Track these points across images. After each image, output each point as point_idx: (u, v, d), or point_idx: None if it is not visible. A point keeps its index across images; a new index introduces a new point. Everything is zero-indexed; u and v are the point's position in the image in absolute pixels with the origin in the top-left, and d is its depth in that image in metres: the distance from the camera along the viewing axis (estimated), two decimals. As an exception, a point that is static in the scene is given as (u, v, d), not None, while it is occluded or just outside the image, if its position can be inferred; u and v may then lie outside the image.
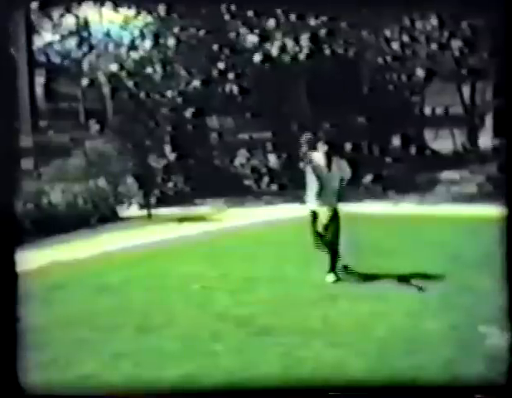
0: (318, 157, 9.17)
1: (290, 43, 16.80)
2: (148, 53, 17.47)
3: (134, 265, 10.62)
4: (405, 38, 17.44)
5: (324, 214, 9.04)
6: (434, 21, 17.07)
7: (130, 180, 16.12)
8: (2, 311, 5.86)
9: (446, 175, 17.45)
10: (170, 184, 17.28)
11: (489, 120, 19.50)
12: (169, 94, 17.37)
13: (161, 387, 6.07)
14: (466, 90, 19.60)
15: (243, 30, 17.07)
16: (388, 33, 17.46)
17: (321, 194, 9.04)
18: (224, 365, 6.48)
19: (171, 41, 17.28)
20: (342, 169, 9.24)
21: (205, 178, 16.80)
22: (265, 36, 17.02)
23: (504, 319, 7.05)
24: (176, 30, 17.30)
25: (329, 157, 9.12)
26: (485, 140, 19.16)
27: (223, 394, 6.01)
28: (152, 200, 16.34)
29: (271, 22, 16.94)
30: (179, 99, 17.37)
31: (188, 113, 17.33)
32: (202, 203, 16.55)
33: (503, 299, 7.58)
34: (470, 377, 5.94)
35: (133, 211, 15.77)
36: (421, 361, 6.29)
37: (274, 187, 17.30)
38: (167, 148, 17.40)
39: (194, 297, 8.72)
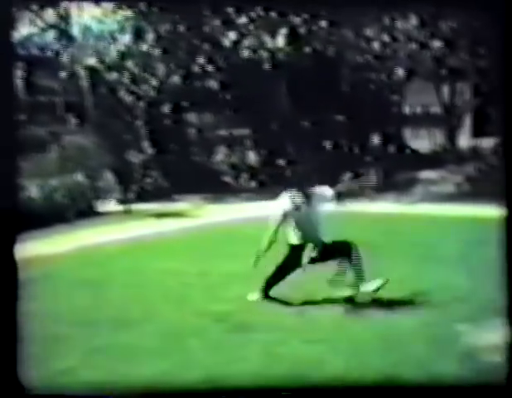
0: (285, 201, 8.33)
1: (269, 40, 16.80)
2: (128, 47, 17.40)
3: (112, 261, 10.57)
4: (385, 37, 17.48)
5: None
6: (414, 20, 17.13)
7: (108, 175, 16.06)
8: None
9: (425, 174, 17.53)
10: (148, 179, 17.22)
11: (468, 120, 19.62)
12: (148, 88, 17.31)
13: (137, 384, 6.03)
14: (446, 90, 19.70)
15: (223, 26, 17.04)
16: (368, 32, 17.49)
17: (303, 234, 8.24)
18: (201, 361, 6.46)
19: (151, 36, 17.22)
20: (324, 196, 8.38)
21: (183, 174, 16.75)
22: (245, 33, 17.00)
23: (482, 317, 7.11)
24: (156, 25, 17.24)
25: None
26: (464, 140, 19.27)
27: (200, 390, 6.00)
28: (131, 195, 16.28)
29: (251, 19, 16.93)
30: (158, 94, 17.31)
31: (167, 108, 17.28)
32: (180, 199, 16.51)
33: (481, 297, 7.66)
34: (447, 376, 5.97)
35: (112, 206, 15.70)
36: (397, 359, 6.32)
37: (253, 184, 17.27)
38: (146, 144, 17.34)
39: (172, 293, 8.68)
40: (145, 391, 5.99)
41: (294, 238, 8.27)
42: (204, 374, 6.17)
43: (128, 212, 15.29)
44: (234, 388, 5.98)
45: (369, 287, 8.00)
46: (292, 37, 16.67)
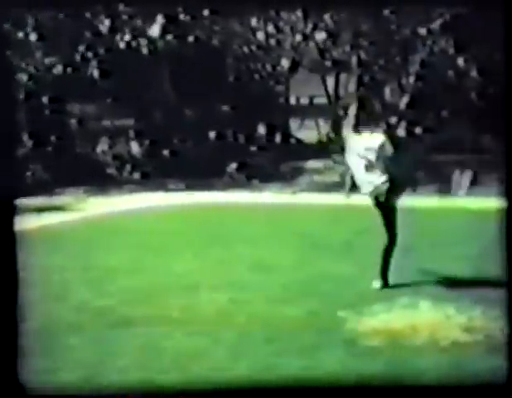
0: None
1: (150, 28, 16.58)
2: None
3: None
4: (270, 28, 17.56)
5: None
6: (299, 12, 17.28)
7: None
8: None
9: (310, 164, 17.70)
10: (27, 173, 16.67)
11: (352, 111, 19.92)
12: (26, 78, 16.74)
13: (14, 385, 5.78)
14: (331, 81, 19.96)
15: (104, 13, 16.67)
16: (253, 22, 17.53)
17: None
18: (80, 359, 6.27)
19: (30, 22, 16.67)
20: None
21: (65, 166, 16.31)
22: (124, 21, 16.69)
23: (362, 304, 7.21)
24: (34, 11, 16.68)
25: None
26: (348, 130, 19.56)
27: (80, 389, 5.81)
28: (9, 190, 15.70)
29: (130, 6, 16.62)
30: (37, 84, 16.77)
31: (46, 98, 16.75)
32: (62, 192, 16.07)
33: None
34: (330, 362, 5.99)
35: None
36: (280, 348, 6.31)
37: (137, 176, 16.99)
38: (24, 136, 16.77)
39: (52, 289, 8.42)
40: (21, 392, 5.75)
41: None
42: (82, 371, 5.98)
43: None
44: (113, 384, 5.81)
45: None
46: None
